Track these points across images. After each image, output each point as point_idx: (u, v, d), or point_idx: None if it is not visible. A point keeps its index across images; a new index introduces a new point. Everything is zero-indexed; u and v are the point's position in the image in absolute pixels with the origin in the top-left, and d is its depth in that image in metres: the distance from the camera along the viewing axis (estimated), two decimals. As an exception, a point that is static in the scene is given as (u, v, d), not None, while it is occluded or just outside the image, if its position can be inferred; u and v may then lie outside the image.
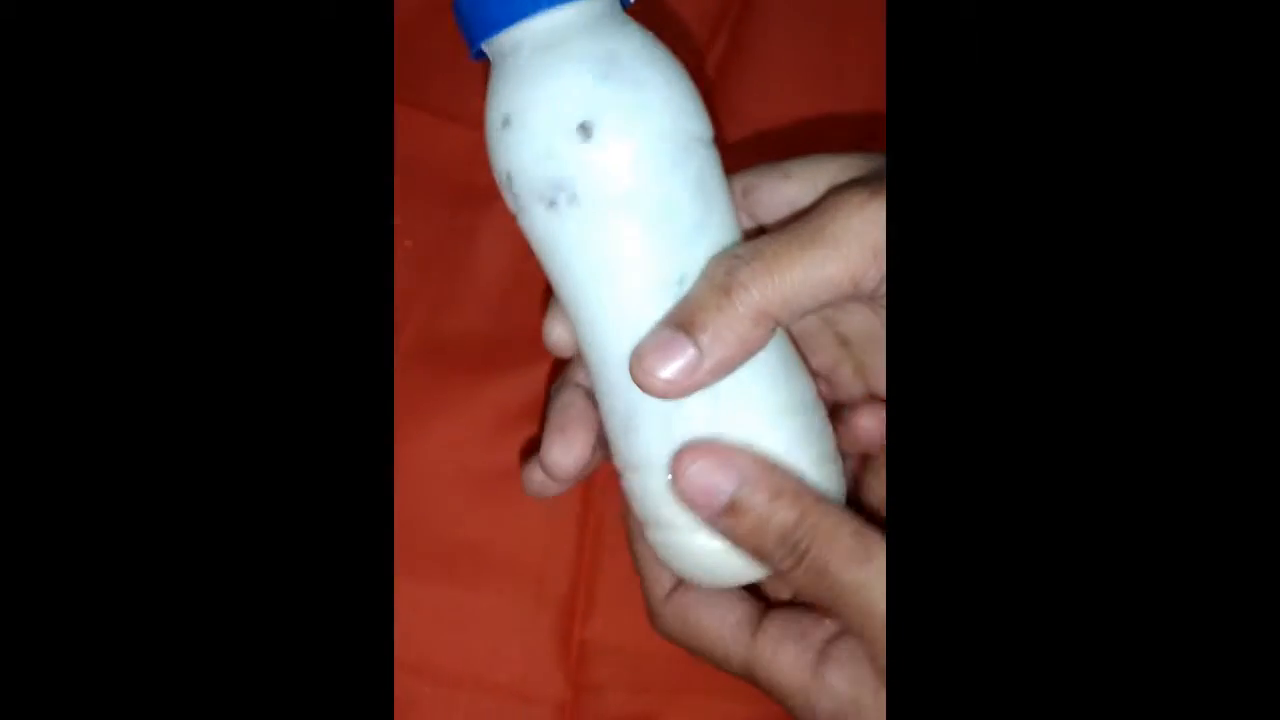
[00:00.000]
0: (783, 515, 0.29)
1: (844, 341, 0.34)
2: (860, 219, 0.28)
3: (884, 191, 0.28)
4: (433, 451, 0.39)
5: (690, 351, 0.28)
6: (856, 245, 0.28)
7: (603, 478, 0.37)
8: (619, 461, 0.32)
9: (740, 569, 0.31)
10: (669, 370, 0.28)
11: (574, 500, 0.39)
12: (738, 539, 0.29)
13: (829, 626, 0.31)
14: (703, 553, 0.30)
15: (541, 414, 0.36)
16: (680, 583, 0.33)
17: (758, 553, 0.30)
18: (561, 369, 0.35)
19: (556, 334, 0.33)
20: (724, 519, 0.29)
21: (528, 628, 0.37)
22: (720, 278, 0.28)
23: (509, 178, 0.29)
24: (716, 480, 0.29)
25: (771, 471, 0.29)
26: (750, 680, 0.32)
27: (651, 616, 0.34)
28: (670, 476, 0.29)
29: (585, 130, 0.28)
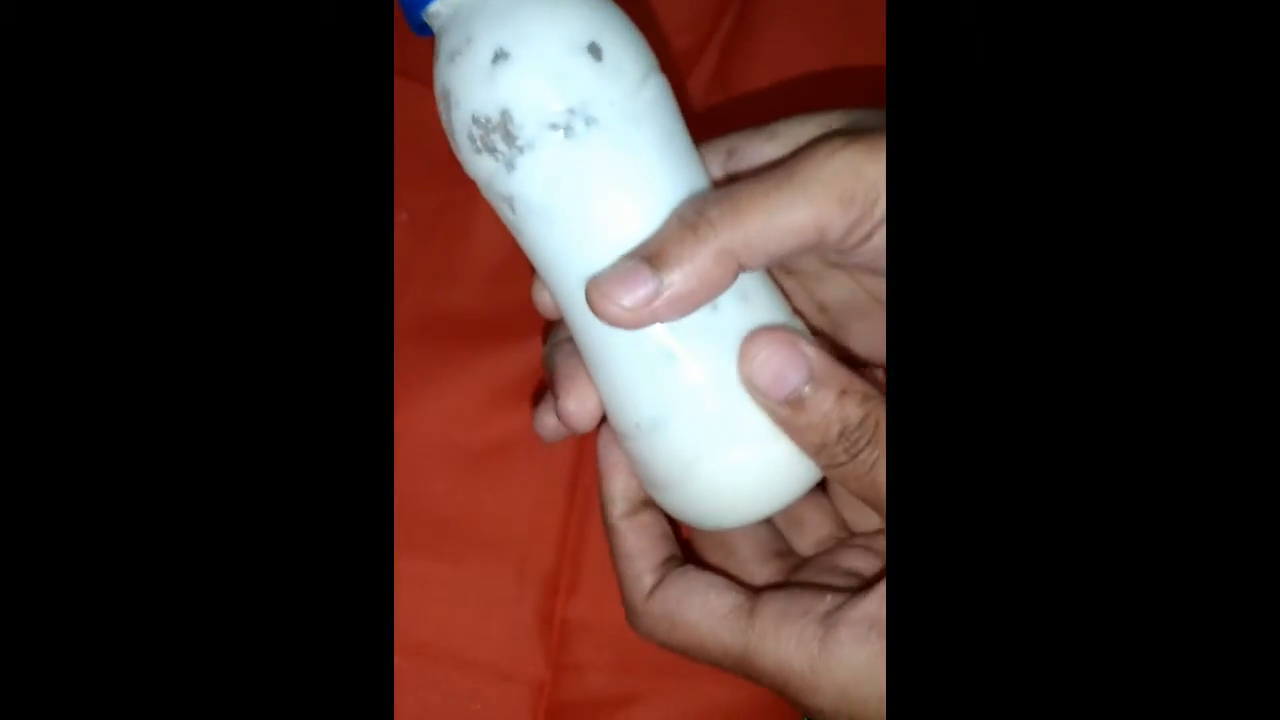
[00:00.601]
0: (849, 411, 0.29)
1: (823, 308, 0.34)
2: (829, 167, 0.28)
3: (860, 139, 0.28)
4: (422, 425, 0.39)
5: (651, 282, 0.28)
6: (823, 192, 0.28)
7: (592, 456, 0.37)
8: (620, 424, 0.31)
9: (783, 483, 0.31)
10: (629, 298, 0.28)
11: (562, 477, 0.39)
12: (800, 430, 0.29)
13: (831, 599, 0.30)
14: (741, 468, 0.30)
15: (539, 379, 0.36)
16: (662, 579, 0.32)
17: (818, 446, 0.29)
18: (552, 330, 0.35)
19: (549, 297, 0.32)
20: (789, 410, 0.29)
21: (510, 605, 0.37)
22: (689, 215, 0.28)
23: (505, 115, 0.28)
24: (785, 370, 0.29)
25: (838, 367, 0.30)
26: (744, 671, 0.31)
27: (633, 617, 0.33)
28: (737, 362, 0.29)
29: (595, 51, 0.28)
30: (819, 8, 0.44)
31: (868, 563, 0.34)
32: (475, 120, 0.29)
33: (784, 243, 0.28)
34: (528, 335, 0.39)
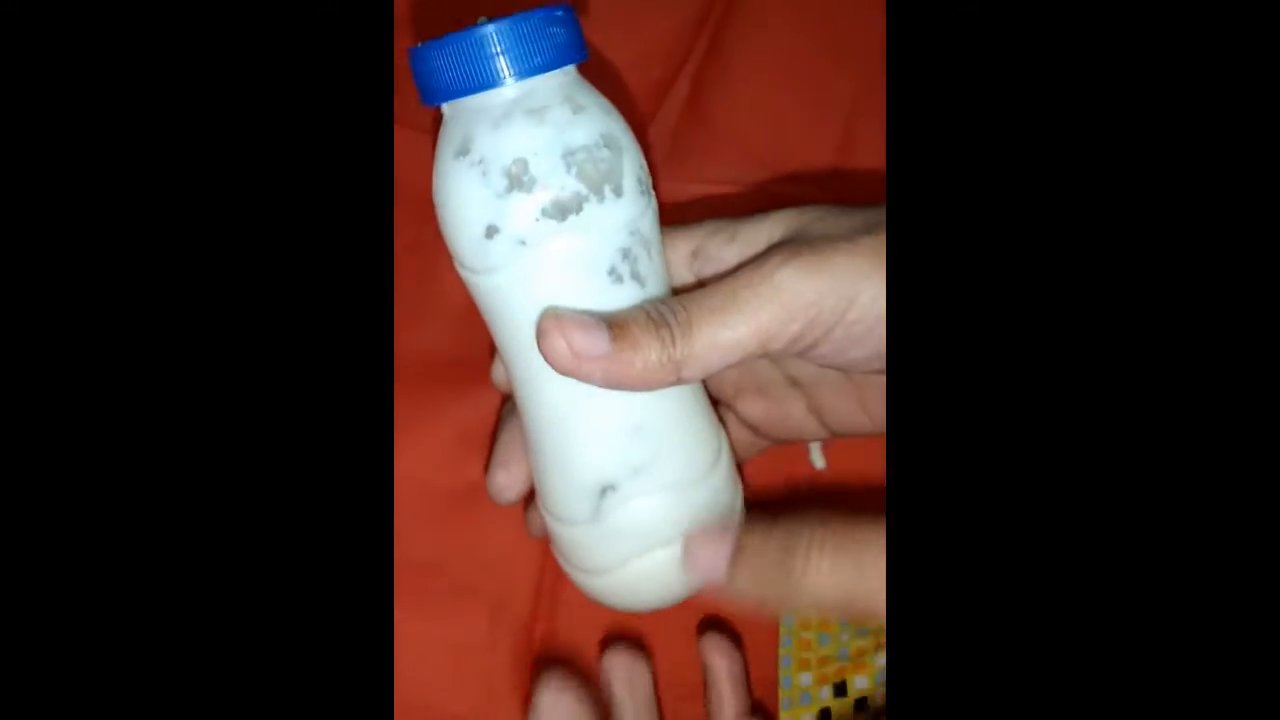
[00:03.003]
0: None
1: (794, 382, 0.35)
2: (769, 285, 0.29)
3: (801, 255, 0.29)
4: (400, 468, 0.38)
5: (604, 344, 0.29)
6: (764, 310, 0.29)
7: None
8: (556, 509, 0.32)
9: (672, 586, 0.32)
10: (580, 342, 0.28)
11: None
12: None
13: None
14: (669, 564, 0.32)
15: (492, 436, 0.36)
16: None
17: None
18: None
19: (503, 373, 0.33)
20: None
21: (486, 653, 0.36)
22: (654, 314, 0.29)
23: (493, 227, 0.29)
24: (715, 563, 0.31)
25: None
26: None
27: None
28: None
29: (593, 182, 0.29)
30: (791, 35, 0.44)
31: None
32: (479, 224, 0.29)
33: (727, 358, 0.29)
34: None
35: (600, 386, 0.29)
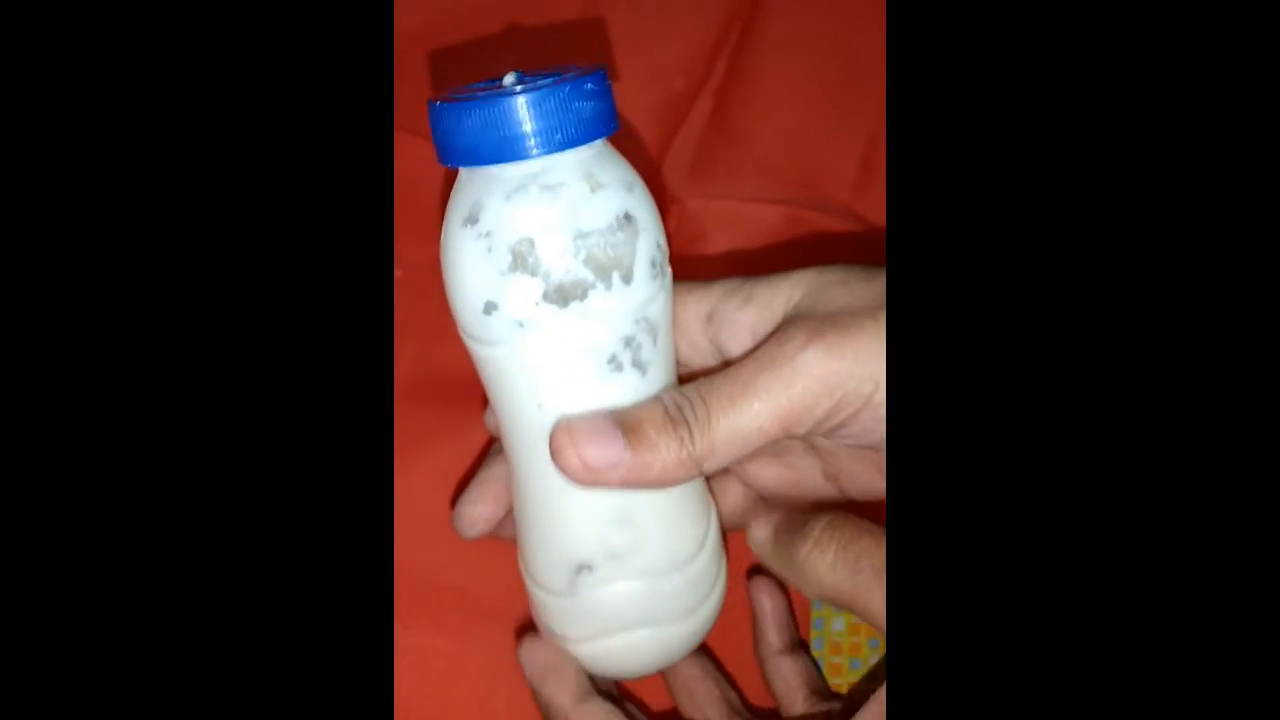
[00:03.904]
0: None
1: (811, 448, 0.34)
2: (792, 368, 0.28)
3: (822, 336, 0.28)
4: (420, 489, 0.38)
5: (620, 452, 0.28)
6: (788, 394, 0.28)
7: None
8: (542, 577, 0.32)
9: (681, 649, 0.33)
10: (595, 456, 0.28)
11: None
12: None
13: None
14: (653, 640, 0.32)
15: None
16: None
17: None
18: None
19: (468, 513, 0.34)
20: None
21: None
22: (671, 407, 0.28)
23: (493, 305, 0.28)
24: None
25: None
26: None
27: None
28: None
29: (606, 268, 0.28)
30: (812, 52, 0.43)
31: None
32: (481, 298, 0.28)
33: (749, 446, 0.28)
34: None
35: (618, 489, 0.28)
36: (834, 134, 0.43)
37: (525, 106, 0.26)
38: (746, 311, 0.31)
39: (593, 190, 0.28)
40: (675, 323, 0.31)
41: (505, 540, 0.34)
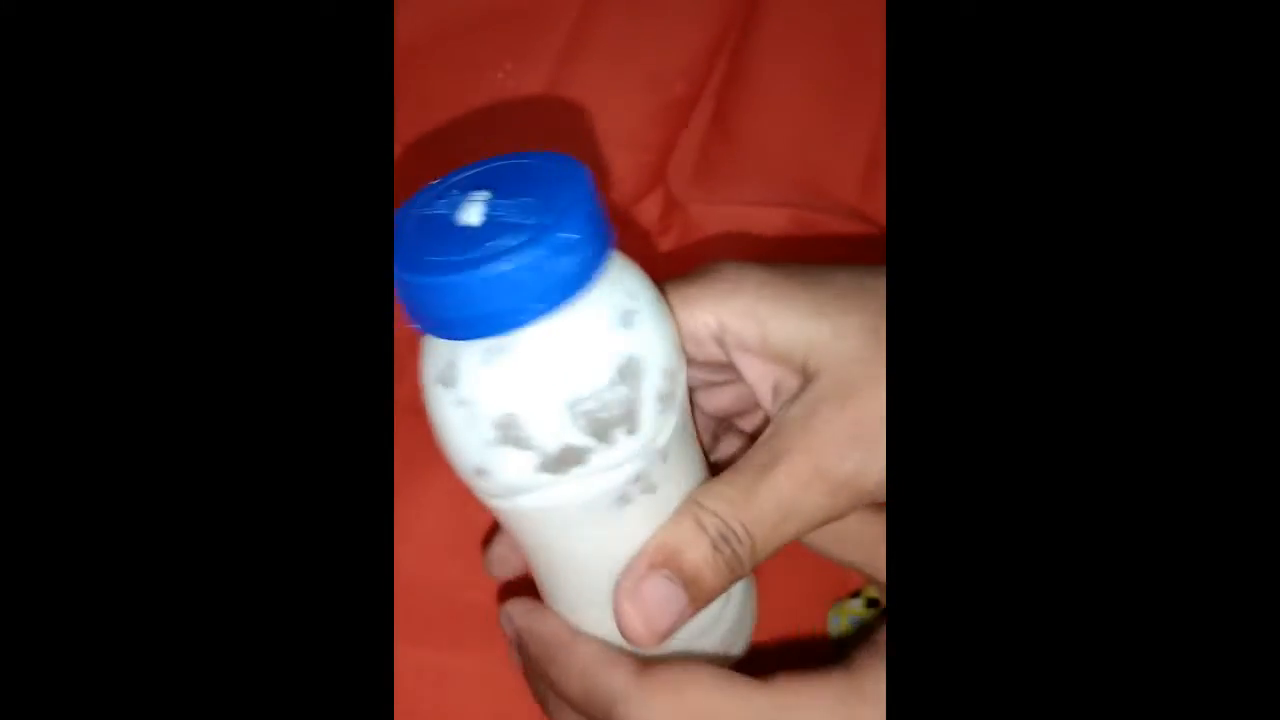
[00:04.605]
0: None
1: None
2: (834, 482, 0.27)
3: (844, 394, 0.27)
4: (429, 506, 0.37)
5: (685, 611, 0.27)
6: (833, 505, 0.27)
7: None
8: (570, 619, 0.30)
9: None
10: (660, 621, 0.27)
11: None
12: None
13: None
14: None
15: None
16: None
17: None
18: None
19: (499, 554, 0.33)
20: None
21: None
22: (724, 551, 0.27)
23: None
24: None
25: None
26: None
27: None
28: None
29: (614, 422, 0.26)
30: (813, 53, 0.43)
31: None
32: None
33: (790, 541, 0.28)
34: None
35: None
36: (837, 134, 0.43)
37: (495, 284, 0.23)
38: (763, 354, 0.29)
39: (582, 345, 0.24)
40: (685, 335, 0.29)
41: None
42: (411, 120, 0.41)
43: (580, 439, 0.24)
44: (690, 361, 0.30)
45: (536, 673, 0.31)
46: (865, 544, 0.30)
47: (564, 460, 0.24)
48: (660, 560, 0.27)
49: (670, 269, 0.29)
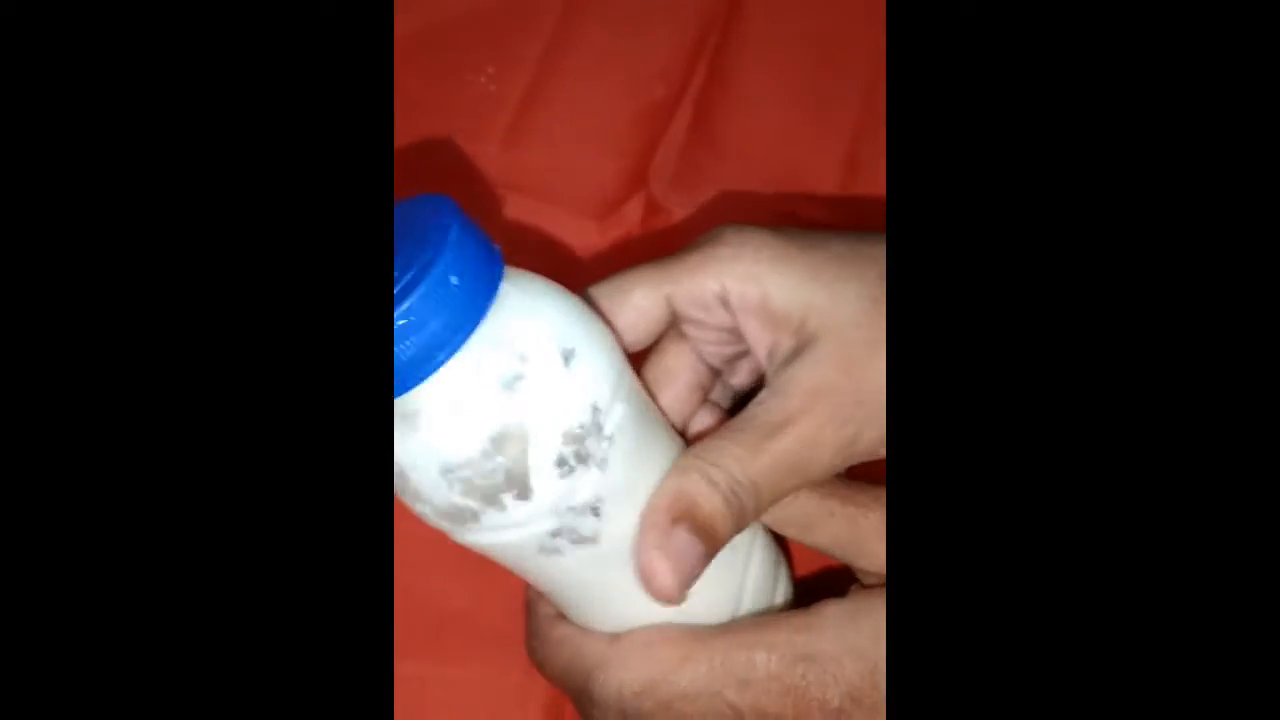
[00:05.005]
0: None
1: None
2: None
3: (847, 360, 0.28)
4: (416, 519, 0.37)
5: (703, 558, 0.28)
6: (838, 458, 0.29)
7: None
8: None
9: None
10: (688, 575, 0.28)
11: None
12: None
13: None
14: None
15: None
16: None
17: None
18: None
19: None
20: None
21: (520, 702, 0.35)
22: (730, 498, 0.28)
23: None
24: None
25: None
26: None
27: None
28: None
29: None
30: (791, 54, 0.43)
31: None
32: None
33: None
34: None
35: None
36: (818, 133, 0.43)
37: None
38: (762, 316, 0.30)
39: (449, 414, 0.23)
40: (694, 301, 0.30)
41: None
42: (395, 126, 0.41)
43: (464, 501, 0.24)
44: (702, 326, 0.31)
45: (528, 649, 0.32)
46: (831, 529, 0.31)
47: (456, 518, 0.24)
48: (679, 512, 0.28)
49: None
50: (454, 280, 0.23)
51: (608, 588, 0.28)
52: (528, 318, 0.24)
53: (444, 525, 0.26)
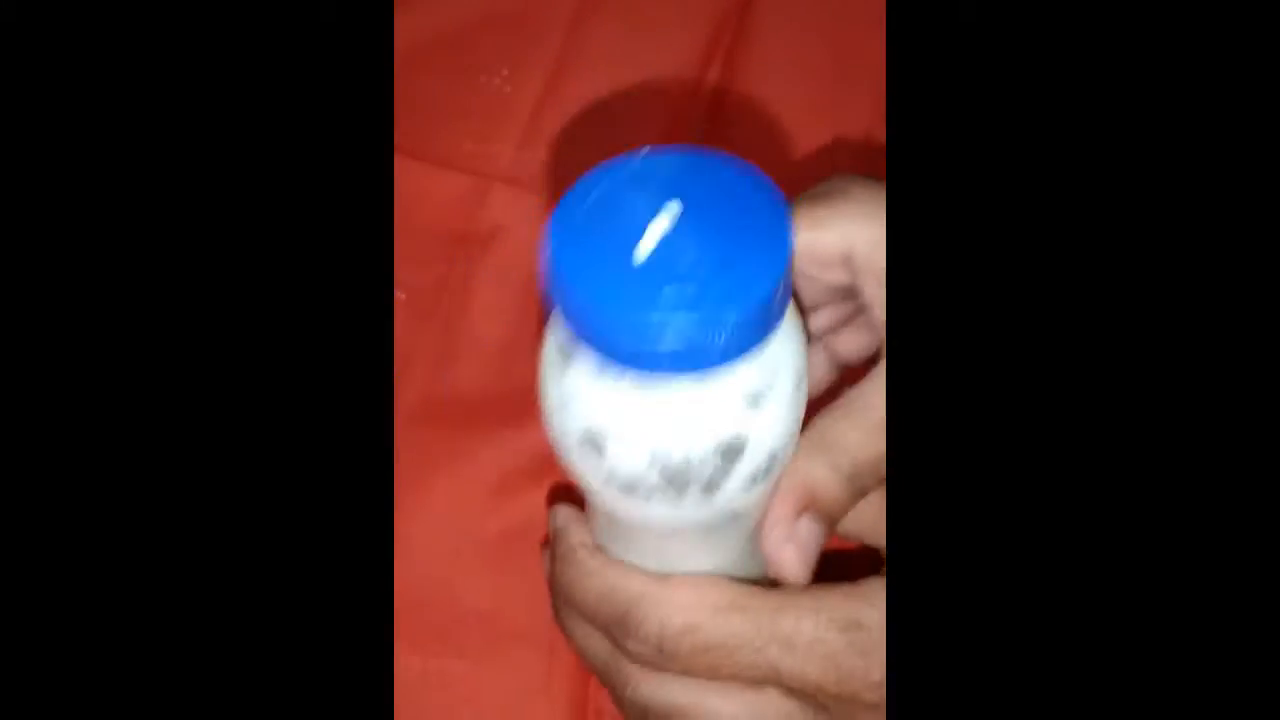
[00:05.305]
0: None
1: None
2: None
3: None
4: (434, 515, 0.37)
5: (822, 537, 0.29)
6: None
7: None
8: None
9: None
10: (811, 553, 0.29)
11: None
12: None
13: None
14: None
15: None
16: None
17: None
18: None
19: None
20: None
21: (542, 698, 0.35)
22: (842, 473, 0.28)
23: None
24: None
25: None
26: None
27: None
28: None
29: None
30: (803, 59, 0.43)
31: None
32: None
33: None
34: (536, 413, 0.38)
35: None
36: (830, 133, 0.43)
37: (644, 328, 0.21)
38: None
39: (696, 418, 0.23)
40: (813, 258, 0.28)
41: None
42: (408, 126, 0.41)
43: (653, 478, 0.24)
44: (813, 283, 0.29)
45: (554, 574, 0.31)
46: (868, 515, 0.31)
47: (630, 486, 0.24)
48: (804, 505, 0.28)
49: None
50: (781, 288, 0.22)
51: (677, 540, 0.28)
52: (784, 339, 0.25)
53: (596, 485, 0.25)
